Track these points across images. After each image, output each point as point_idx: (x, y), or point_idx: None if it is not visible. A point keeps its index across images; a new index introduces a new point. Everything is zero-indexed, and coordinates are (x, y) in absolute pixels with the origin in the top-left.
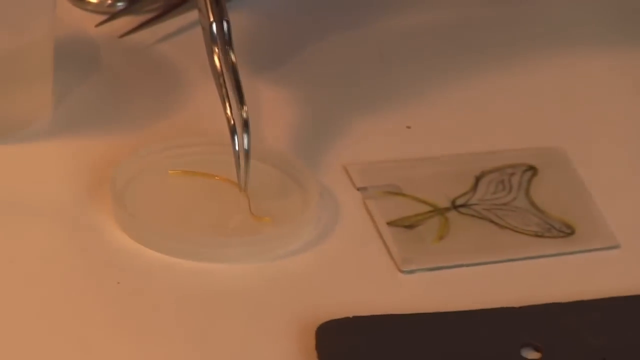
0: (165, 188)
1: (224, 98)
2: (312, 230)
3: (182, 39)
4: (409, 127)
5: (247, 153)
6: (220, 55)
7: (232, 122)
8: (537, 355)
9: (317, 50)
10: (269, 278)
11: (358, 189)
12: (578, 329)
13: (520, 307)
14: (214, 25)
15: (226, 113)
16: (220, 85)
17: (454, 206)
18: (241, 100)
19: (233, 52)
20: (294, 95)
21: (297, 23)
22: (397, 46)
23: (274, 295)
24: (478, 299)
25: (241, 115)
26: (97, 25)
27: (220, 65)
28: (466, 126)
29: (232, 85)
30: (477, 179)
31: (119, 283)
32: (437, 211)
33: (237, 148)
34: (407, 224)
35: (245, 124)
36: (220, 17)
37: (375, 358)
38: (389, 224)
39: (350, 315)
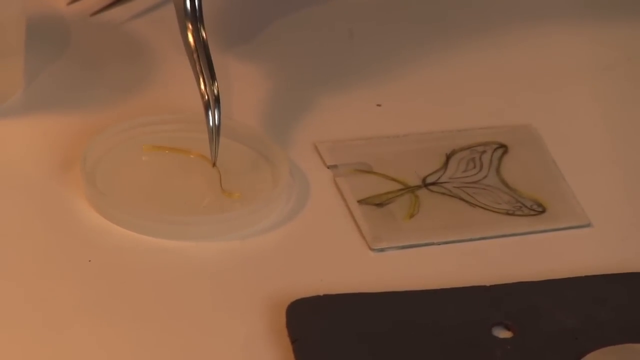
0: (137, 166)
1: (199, 74)
2: (282, 208)
3: (153, 16)
4: (379, 105)
5: (217, 128)
6: (194, 31)
7: (207, 97)
8: (508, 334)
9: (287, 28)
10: (239, 256)
11: (328, 167)
12: (549, 308)
13: (491, 286)
14: (187, 1)
15: (200, 89)
16: (195, 62)
17: (425, 184)
18: (212, 77)
19: (204, 29)
20: (263, 72)
21: None
22: (367, 23)
23: (244, 273)
24: (449, 277)
25: (212, 91)
26: (68, 4)
27: (194, 42)
28: (437, 104)
29: (204, 61)
30: (448, 157)
31: (90, 261)
32: (408, 189)
33: (211, 124)
34: (377, 202)
35: (216, 100)
36: None
37: (345, 336)
38: (360, 202)
39: (321, 293)
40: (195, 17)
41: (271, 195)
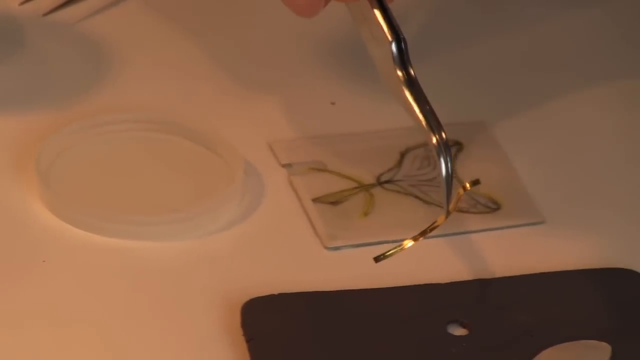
0: (92, 166)
1: (424, 123)
2: (236, 207)
3: (106, 15)
4: (333, 103)
5: (451, 177)
6: (407, 80)
7: (439, 144)
8: (463, 331)
9: (242, 25)
10: (194, 255)
11: (283, 166)
12: (505, 305)
13: (447, 284)
14: (394, 47)
15: (432, 138)
16: (416, 114)
17: (379, 182)
18: (439, 123)
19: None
20: (216, 71)
21: None
22: (321, 22)
23: (199, 273)
24: (404, 275)
25: (442, 138)
26: (21, 4)
27: (413, 93)
28: (390, 102)
29: (428, 111)
30: (402, 155)
31: (44, 261)
32: (362, 187)
33: (444, 173)
34: (332, 201)
35: (448, 148)
36: (398, 35)
37: (300, 335)
38: (314, 200)
39: (276, 292)
40: (405, 63)
41: (225, 194)
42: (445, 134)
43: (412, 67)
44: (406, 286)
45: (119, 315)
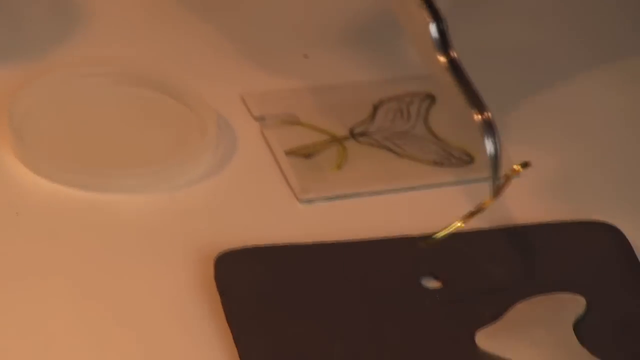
0: (64, 119)
1: (469, 103)
2: (209, 160)
3: None
4: (306, 56)
5: (497, 156)
6: (450, 64)
7: (485, 124)
8: (437, 284)
9: None
10: (167, 208)
11: (255, 119)
12: (478, 257)
13: (420, 237)
14: (432, 29)
15: (477, 115)
16: (460, 94)
17: (352, 135)
18: (482, 103)
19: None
20: (188, 24)
21: None
22: None
23: (172, 225)
24: (377, 228)
25: (487, 118)
26: None
27: (457, 77)
28: (364, 54)
29: (472, 91)
30: (375, 108)
31: (17, 214)
32: (335, 140)
33: (491, 151)
34: (305, 153)
35: (493, 127)
36: (438, 16)
37: (273, 287)
38: (287, 153)
39: (249, 245)
40: (446, 45)
41: (198, 147)
42: (491, 114)
43: (453, 48)
44: (380, 239)
45: (93, 267)
